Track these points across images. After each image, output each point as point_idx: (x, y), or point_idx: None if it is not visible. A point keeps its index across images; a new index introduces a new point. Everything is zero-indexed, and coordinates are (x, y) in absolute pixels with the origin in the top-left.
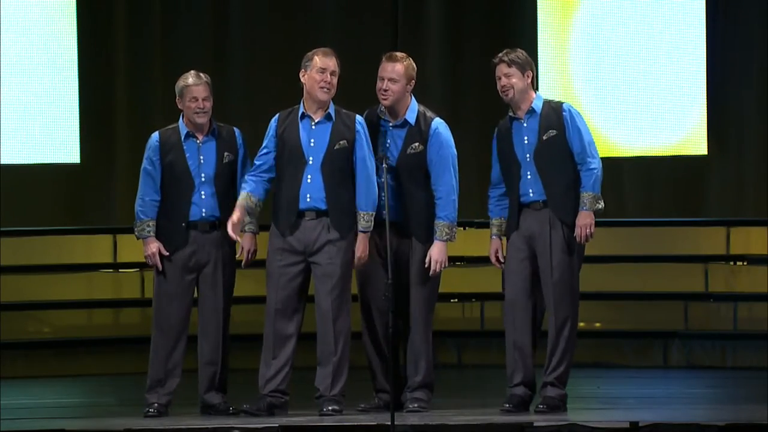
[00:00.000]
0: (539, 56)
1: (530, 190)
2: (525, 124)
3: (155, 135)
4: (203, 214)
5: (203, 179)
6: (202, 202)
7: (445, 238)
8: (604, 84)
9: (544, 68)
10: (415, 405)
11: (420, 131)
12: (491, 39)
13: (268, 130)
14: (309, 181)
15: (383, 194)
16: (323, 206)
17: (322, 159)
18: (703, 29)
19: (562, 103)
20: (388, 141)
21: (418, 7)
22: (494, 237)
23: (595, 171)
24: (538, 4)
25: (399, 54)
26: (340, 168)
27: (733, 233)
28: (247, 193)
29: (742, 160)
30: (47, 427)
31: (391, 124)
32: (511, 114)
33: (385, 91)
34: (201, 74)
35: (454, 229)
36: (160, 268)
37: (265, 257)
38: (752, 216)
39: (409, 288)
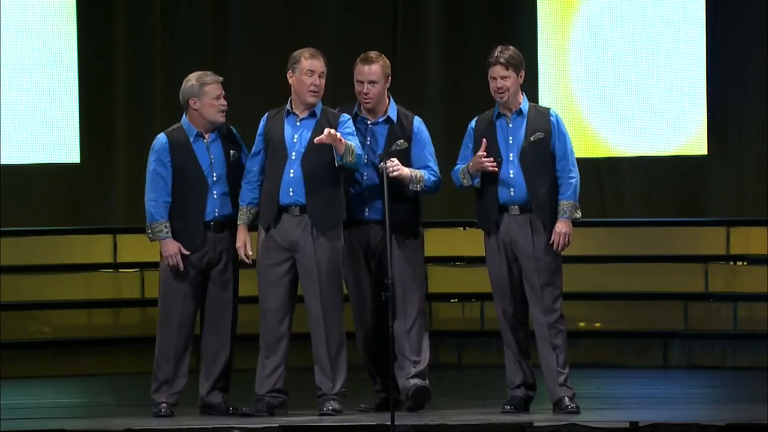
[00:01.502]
0: (539, 56)
1: (511, 190)
2: (511, 125)
3: (162, 137)
4: (216, 214)
5: (215, 179)
6: (215, 201)
7: None
8: (604, 84)
9: (544, 68)
10: (417, 381)
11: (403, 128)
12: (491, 39)
13: (258, 130)
14: (291, 175)
15: (382, 194)
16: (305, 201)
17: (303, 153)
18: (703, 29)
19: (549, 108)
20: (368, 139)
21: (418, 7)
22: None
23: (574, 180)
24: (538, 4)
25: (373, 54)
26: (322, 163)
27: (733, 233)
28: (246, 208)
29: (742, 160)
30: (47, 427)
31: (370, 122)
32: (499, 111)
33: (366, 94)
34: (211, 72)
35: None
36: (182, 268)
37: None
38: (752, 216)
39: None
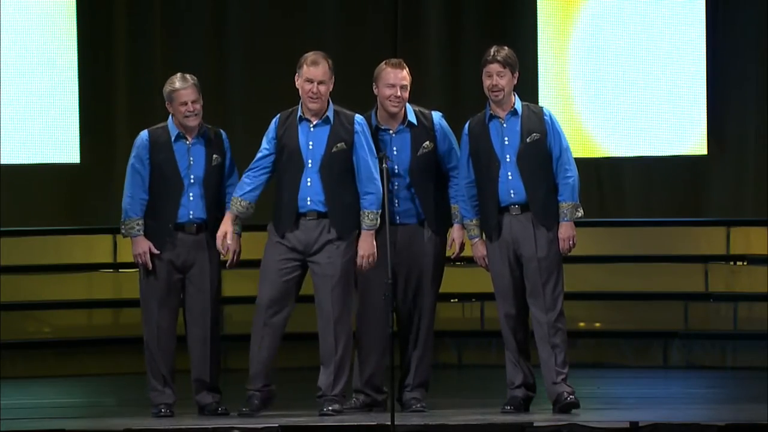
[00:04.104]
0: (539, 56)
1: (511, 192)
2: (505, 125)
3: (144, 134)
4: (190, 216)
5: (192, 181)
6: (190, 204)
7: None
8: (604, 84)
9: (544, 68)
10: (419, 405)
11: (426, 129)
12: (491, 39)
13: (267, 132)
14: (309, 184)
15: (413, 200)
16: (323, 209)
17: (321, 162)
18: (703, 29)
19: (542, 107)
20: (394, 148)
21: (418, 8)
22: (477, 239)
23: (571, 179)
24: (538, 4)
25: (398, 60)
26: (339, 170)
27: (733, 233)
28: (237, 198)
29: (742, 160)
30: (47, 427)
31: (391, 131)
32: (491, 113)
33: (397, 97)
34: (187, 76)
35: None
36: (150, 267)
37: (249, 257)
38: (752, 216)
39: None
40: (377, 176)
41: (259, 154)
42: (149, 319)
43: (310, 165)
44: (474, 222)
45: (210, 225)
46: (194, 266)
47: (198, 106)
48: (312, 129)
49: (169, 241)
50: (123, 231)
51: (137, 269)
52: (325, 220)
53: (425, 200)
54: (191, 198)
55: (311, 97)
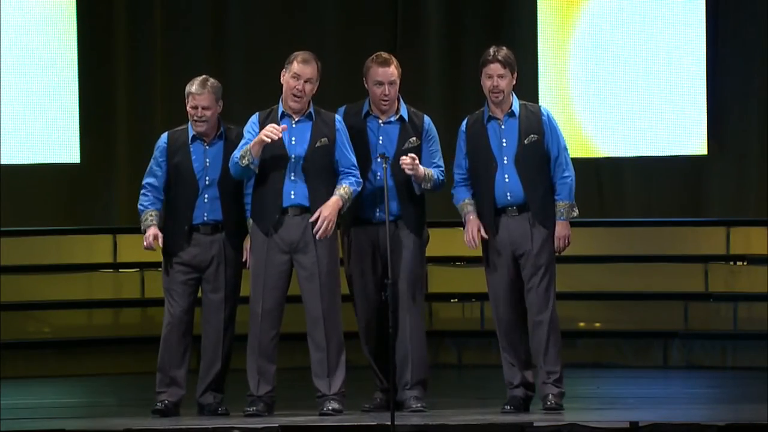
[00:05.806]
0: (539, 56)
1: (508, 193)
2: (503, 126)
3: (164, 136)
4: (205, 218)
5: (207, 183)
6: (204, 205)
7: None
8: (604, 84)
9: (544, 68)
10: (419, 404)
11: (415, 126)
12: (490, 39)
13: (249, 127)
14: (292, 178)
15: (394, 194)
16: (306, 203)
17: (304, 156)
18: (703, 29)
19: (540, 106)
20: (380, 138)
21: (418, 7)
22: (472, 215)
23: (569, 179)
24: (538, 4)
25: (386, 55)
26: (322, 165)
27: (733, 233)
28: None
29: (742, 160)
30: (47, 427)
31: (381, 121)
32: (489, 113)
33: (387, 95)
34: (209, 82)
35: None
36: (154, 249)
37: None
38: (752, 216)
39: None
40: (356, 166)
41: (241, 146)
42: (165, 315)
43: (293, 159)
44: (469, 201)
45: (227, 226)
46: (210, 266)
47: (208, 113)
48: (294, 125)
49: (186, 241)
50: (142, 227)
51: (138, 270)
52: (308, 216)
53: (402, 195)
54: (206, 200)
55: (295, 95)
